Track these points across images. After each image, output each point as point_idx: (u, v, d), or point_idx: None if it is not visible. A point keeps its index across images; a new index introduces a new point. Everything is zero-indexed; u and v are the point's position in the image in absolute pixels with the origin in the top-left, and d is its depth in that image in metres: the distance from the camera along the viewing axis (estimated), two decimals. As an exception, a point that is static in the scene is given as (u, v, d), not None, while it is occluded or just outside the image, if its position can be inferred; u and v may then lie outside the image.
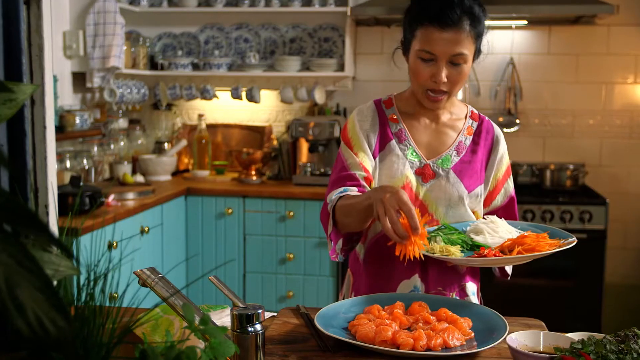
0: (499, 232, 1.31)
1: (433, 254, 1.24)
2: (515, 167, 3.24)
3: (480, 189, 1.41)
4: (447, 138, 1.41)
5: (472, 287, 1.42)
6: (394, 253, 1.26)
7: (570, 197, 2.96)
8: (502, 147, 1.44)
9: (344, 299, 1.50)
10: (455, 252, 1.25)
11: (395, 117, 1.42)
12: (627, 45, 3.23)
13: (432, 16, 1.28)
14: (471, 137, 1.42)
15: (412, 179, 1.37)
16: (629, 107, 3.27)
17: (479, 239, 1.30)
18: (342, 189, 1.33)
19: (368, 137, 1.39)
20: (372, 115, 1.42)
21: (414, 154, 1.39)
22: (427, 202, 1.37)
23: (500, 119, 3.30)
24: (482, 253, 1.24)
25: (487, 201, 1.44)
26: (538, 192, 3.08)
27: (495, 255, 1.23)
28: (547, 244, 1.24)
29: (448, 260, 1.26)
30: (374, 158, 1.39)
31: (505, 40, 3.29)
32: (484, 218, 1.38)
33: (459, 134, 1.42)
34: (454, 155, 1.40)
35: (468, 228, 1.35)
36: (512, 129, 3.30)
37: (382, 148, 1.40)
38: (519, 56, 3.29)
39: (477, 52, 1.36)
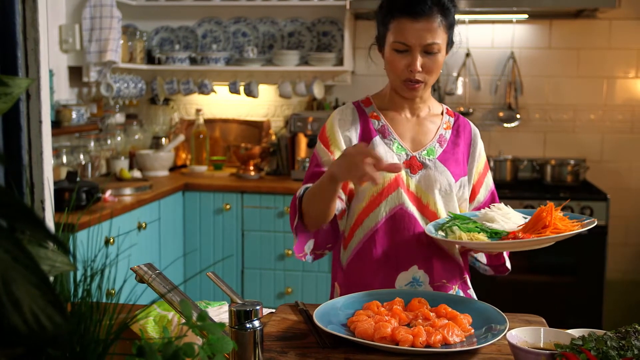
0: (511, 218, 1.32)
1: (461, 240, 1.25)
2: (515, 163, 3.23)
3: (464, 180, 1.44)
4: (428, 131, 1.45)
5: (468, 281, 1.46)
6: (386, 246, 1.31)
7: (571, 192, 2.95)
8: (480, 142, 1.50)
9: None
10: (483, 239, 1.25)
11: (375, 114, 1.45)
12: (628, 39, 3.21)
13: (404, 8, 1.34)
14: (450, 131, 1.47)
15: (402, 171, 1.39)
16: (630, 101, 3.26)
17: (494, 226, 1.30)
18: (312, 184, 1.34)
19: (349, 137, 1.41)
20: (352, 115, 1.44)
21: (400, 147, 1.42)
22: (420, 194, 1.39)
23: (501, 114, 3.29)
24: (517, 236, 1.23)
25: (472, 196, 1.47)
26: (539, 188, 3.07)
27: (533, 237, 1.22)
28: (570, 225, 1.26)
29: (484, 248, 1.28)
30: None
31: (505, 34, 3.27)
32: (489, 207, 1.39)
33: (438, 128, 1.46)
34: (437, 147, 1.43)
35: (476, 218, 1.35)
36: (513, 124, 3.29)
37: None
38: (519, 50, 3.27)
39: (450, 43, 1.41)
